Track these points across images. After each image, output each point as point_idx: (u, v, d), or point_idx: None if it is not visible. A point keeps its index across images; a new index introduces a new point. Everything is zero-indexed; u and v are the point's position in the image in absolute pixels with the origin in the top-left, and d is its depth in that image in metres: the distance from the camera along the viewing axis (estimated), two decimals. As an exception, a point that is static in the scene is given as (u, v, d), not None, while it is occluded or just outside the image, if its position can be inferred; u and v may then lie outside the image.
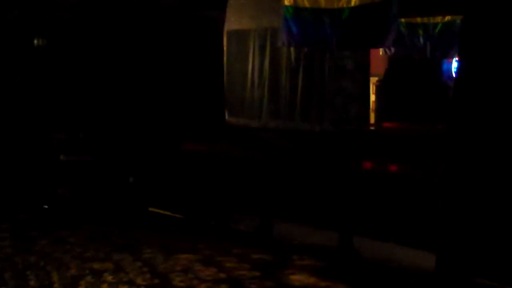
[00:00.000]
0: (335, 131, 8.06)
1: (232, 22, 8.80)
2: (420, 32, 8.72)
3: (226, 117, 8.84)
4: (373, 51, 8.58)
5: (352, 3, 6.88)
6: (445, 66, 9.02)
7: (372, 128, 8.51)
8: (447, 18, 8.37)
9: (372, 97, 9.09)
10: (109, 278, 5.74)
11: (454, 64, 8.69)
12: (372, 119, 9.01)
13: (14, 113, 8.48)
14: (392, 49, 8.67)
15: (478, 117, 5.77)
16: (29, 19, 8.54)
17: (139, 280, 5.68)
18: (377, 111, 9.12)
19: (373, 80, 9.08)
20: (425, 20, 8.58)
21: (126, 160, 8.80)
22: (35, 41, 8.59)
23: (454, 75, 8.61)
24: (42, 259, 6.34)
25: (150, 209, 8.63)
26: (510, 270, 5.46)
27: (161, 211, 8.57)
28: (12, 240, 7.11)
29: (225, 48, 8.90)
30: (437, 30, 8.60)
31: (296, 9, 7.20)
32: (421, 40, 8.74)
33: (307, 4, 7.18)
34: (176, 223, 8.12)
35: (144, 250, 6.66)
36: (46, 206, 8.57)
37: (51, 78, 8.69)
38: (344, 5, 6.92)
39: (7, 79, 8.43)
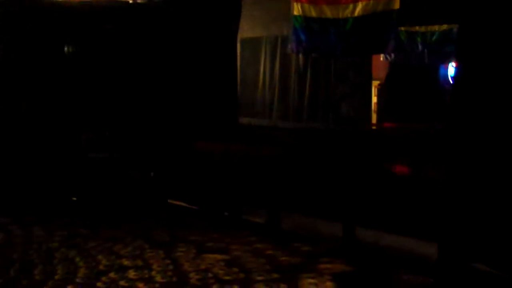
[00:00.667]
0: (339, 130, 8.45)
1: (246, 31, 9.16)
2: (419, 39, 9.08)
3: (239, 117, 9.17)
4: (375, 57, 8.99)
5: (356, 14, 7.29)
6: (441, 71, 9.38)
7: (373, 127, 8.84)
8: (444, 27, 8.75)
9: (374, 99, 9.47)
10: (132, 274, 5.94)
11: (450, 69, 9.04)
12: (374, 120, 9.41)
13: (48, 114, 8.85)
14: (393, 55, 9.04)
15: (475, 118, 6.01)
16: (58, 25, 8.95)
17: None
18: (379, 112, 9.47)
19: (375, 83, 9.47)
20: (423, 28, 8.96)
21: (147, 156, 9.17)
22: (66, 48, 9.05)
23: (450, 79, 9.03)
24: (71, 250, 6.67)
25: (170, 201, 9.07)
26: (508, 257, 5.74)
27: (179, 203, 9.00)
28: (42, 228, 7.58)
29: (239, 54, 9.21)
30: (434, 38, 8.95)
31: (304, 19, 7.63)
32: (420, 47, 9.11)
33: (314, 14, 7.60)
34: (192, 214, 8.53)
35: (175, 247, 6.79)
36: (74, 198, 9.11)
37: (80, 83, 9.07)
38: (349, 15, 7.34)
39: (41, 84, 8.80)
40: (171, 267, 6.14)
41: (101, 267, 6.14)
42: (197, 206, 8.82)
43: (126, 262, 6.27)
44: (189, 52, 8.92)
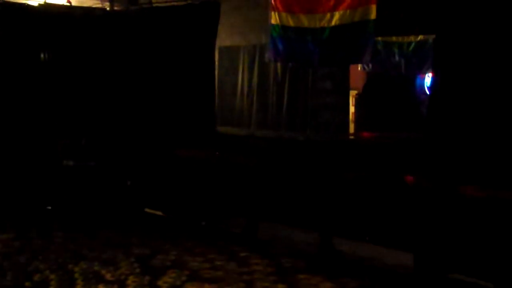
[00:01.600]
0: (317, 140, 8.48)
1: (223, 39, 9.21)
2: (396, 50, 9.18)
3: (217, 126, 9.06)
4: (352, 67, 9.03)
5: (333, 23, 7.27)
6: (418, 81, 9.47)
7: (351, 137, 8.88)
8: (420, 37, 8.84)
9: (352, 109, 9.52)
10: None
11: (427, 79, 9.14)
12: (352, 129, 9.46)
13: (23, 120, 8.74)
14: (370, 65, 9.09)
15: (451, 127, 6.18)
16: (34, 32, 8.86)
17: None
18: (356, 121, 9.53)
19: (352, 93, 9.53)
20: (400, 39, 9.06)
21: (124, 164, 9.11)
22: (42, 55, 8.96)
23: (426, 89, 9.13)
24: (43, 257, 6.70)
25: (146, 210, 9.03)
26: (485, 266, 5.84)
27: (156, 212, 8.96)
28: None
29: (216, 63, 9.19)
30: (411, 48, 9.04)
31: (282, 28, 7.60)
32: (396, 57, 9.19)
33: (291, 24, 7.58)
34: (168, 224, 8.49)
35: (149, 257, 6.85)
36: (49, 207, 8.99)
37: (57, 90, 8.97)
38: (325, 25, 7.32)
39: (16, 89, 8.69)
40: (147, 279, 6.14)
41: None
42: (173, 215, 8.76)
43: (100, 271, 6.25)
44: (167, 59, 8.90)
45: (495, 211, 5.82)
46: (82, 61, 9.13)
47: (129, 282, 6.04)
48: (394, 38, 9.01)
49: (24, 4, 8.98)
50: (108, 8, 9.56)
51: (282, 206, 8.35)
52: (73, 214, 8.70)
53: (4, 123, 8.71)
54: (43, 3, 9.07)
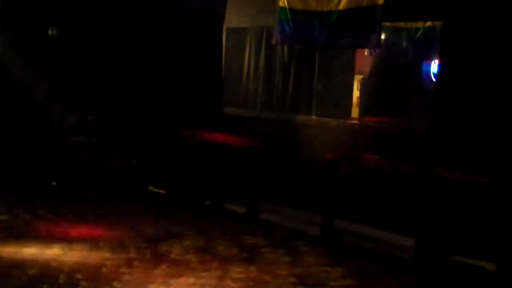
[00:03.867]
0: (319, 123, 8.55)
1: (231, 20, 9.25)
2: (403, 35, 9.19)
3: (223, 107, 9.24)
4: (359, 51, 9.06)
5: (340, 7, 7.33)
6: (424, 67, 9.47)
7: (355, 121, 8.94)
8: (428, 23, 8.78)
9: (357, 93, 9.56)
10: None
11: (433, 66, 9.13)
12: (355, 114, 9.50)
13: (31, 97, 8.82)
14: (377, 50, 9.08)
15: (458, 114, 6.27)
16: (44, 10, 8.93)
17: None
18: (361, 106, 9.56)
19: (358, 77, 9.56)
20: (408, 24, 9.05)
21: (129, 143, 9.18)
22: (50, 31, 9.01)
23: (432, 76, 9.12)
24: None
25: (151, 188, 9.12)
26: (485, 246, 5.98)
27: (159, 191, 9.07)
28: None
29: (224, 44, 9.31)
30: (418, 34, 9.05)
31: (290, 11, 7.66)
32: (404, 43, 9.20)
33: (299, 6, 7.63)
34: (172, 203, 8.61)
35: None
36: (54, 183, 9.12)
37: (65, 66, 9.04)
38: (333, 8, 7.37)
39: (26, 65, 8.73)
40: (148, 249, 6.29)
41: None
42: (177, 194, 8.84)
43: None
44: (174, 40, 8.96)
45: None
46: (90, 39, 9.16)
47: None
48: (402, 24, 8.98)
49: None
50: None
51: (286, 188, 8.53)
52: (78, 190, 8.80)
53: (12, 99, 8.77)
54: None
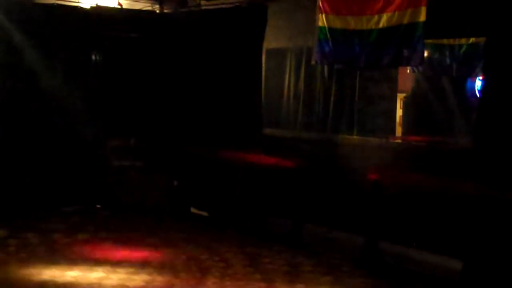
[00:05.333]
0: (363, 143, 8.43)
1: (271, 41, 9.20)
2: (446, 52, 9.04)
3: (263, 127, 9.14)
4: (401, 70, 8.97)
5: (381, 25, 7.22)
6: (469, 84, 9.30)
7: (398, 140, 8.79)
8: (472, 40, 8.67)
9: (399, 112, 9.43)
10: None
11: (477, 83, 8.95)
12: (399, 132, 9.35)
13: (75, 120, 8.96)
14: (420, 68, 8.98)
15: (502, 131, 6.11)
16: (89, 35, 9.13)
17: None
18: (404, 125, 9.42)
19: (400, 96, 9.44)
20: (451, 41, 8.91)
21: (171, 165, 9.23)
22: (93, 56, 9.19)
23: (477, 93, 8.94)
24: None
25: (193, 210, 9.15)
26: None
27: (202, 213, 9.08)
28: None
29: (264, 65, 9.27)
30: (462, 51, 8.91)
31: (329, 30, 7.59)
32: (447, 60, 9.07)
33: (338, 26, 7.57)
34: (215, 224, 8.61)
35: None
36: (98, 206, 9.21)
37: (108, 90, 9.21)
38: (373, 27, 7.27)
39: (72, 90, 8.91)
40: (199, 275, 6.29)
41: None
42: (219, 216, 8.85)
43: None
44: (215, 61, 9.01)
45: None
46: (131, 62, 9.31)
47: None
48: (445, 41, 8.87)
49: (76, 6, 9.19)
50: (157, 11, 9.71)
51: (327, 209, 8.42)
52: (121, 213, 8.87)
53: (58, 123, 8.93)
54: (94, 5, 9.27)
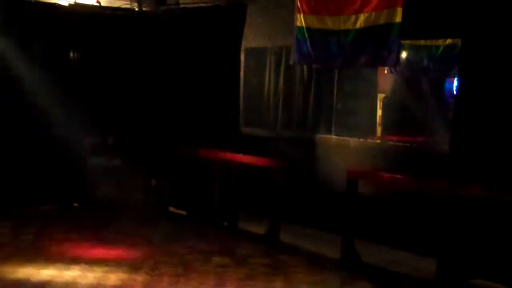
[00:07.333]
0: (341, 142, 8.47)
1: (250, 40, 9.23)
2: (424, 53, 9.11)
3: (242, 127, 9.16)
4: (381, 70, 9.02)
5: (358, 25, 7.25)
6: (447, 85, 9.36)
7: (377, 140, 8.82)
8: (448, 41, 8.71)
9: (379, 112, 9.47)
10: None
11: (455, 84, 9.01)
12: (379, 133, 9.39)
13: (54, 118, 8.86)
14: (396, 68, 9.03)
15: (478, 130, 6.19)
16: (66, 33, 9.08)
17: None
18: (383, 125, 9.46)
19: (380, 96, 9.46)
20: (429, 42, 8.97)
21: (148, 163, 9.22)
22: (70, 53, 9.13)
23: (454, 93, 8.98)
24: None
25: (171, 209, 9.13)
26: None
27: (180, 211, 9.05)
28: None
29: (242, 64, 9.29)
30: (439, 52, 8.97)
31: (307, 30, 7.61)
32: (425, 61, 9.15)
33: (316, 26, 7.58)
34: (192, 223, 8.60)
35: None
36: (75, 204, 9.17)
37: (85, 88, 9.13)
38: (350, 27, 7.31)
39: (48, 87, 8.76)
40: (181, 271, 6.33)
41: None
42: (197, 215, 8.84)
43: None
44: (193, 60, 9.00)
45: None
46: (109, 60, 9.27)
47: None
48: (422, 42, 8.93)
49: (54, 3, 9.14)
50: (136, 9, 9.70)
51: (305, 208, 8.45)
52: (98, 211, 8.83)
53: (34, 121, 8.87)
54: (73, 3, 9.23)
